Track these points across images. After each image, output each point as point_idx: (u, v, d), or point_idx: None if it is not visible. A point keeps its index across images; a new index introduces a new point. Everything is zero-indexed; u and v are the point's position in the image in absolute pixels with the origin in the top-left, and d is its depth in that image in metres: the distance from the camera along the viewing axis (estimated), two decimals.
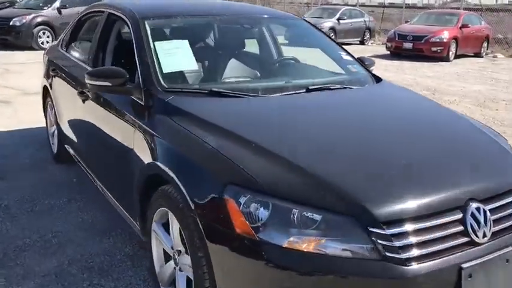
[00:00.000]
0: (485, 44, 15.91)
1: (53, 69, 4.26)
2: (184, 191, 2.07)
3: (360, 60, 3.50)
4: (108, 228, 3.40)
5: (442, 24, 14.76)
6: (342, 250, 1.79)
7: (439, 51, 13.80)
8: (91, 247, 3.15)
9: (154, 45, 2.87)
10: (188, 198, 2.04)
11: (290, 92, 2.76)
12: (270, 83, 2.92)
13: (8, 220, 3.51)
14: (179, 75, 2.84)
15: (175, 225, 2.26)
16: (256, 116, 2.49)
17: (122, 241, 3.23)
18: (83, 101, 3.39)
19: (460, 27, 14.51)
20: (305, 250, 1.80)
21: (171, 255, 2.36)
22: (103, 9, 3.65)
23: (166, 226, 2.41)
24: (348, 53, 3.50)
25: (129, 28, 3.10)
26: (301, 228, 1.84)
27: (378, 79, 3.27)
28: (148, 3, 3.56)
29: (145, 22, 3.03)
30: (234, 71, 3.13)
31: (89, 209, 3.70)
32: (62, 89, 4.02)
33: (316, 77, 3.16)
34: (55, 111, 4.36)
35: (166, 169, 2.22)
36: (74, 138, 3.86)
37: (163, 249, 2.47)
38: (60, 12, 14.30)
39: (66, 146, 4.25)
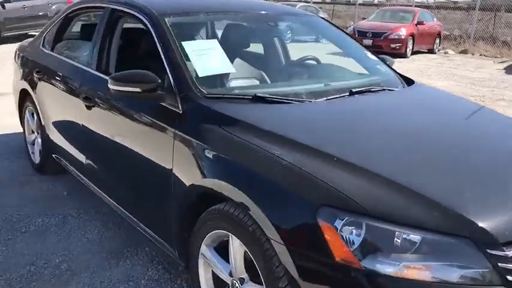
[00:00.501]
0: (437, 41, 16.38)
1: (38, 71, 3.82)
2: (260, 213, 1.81)
3: (383, 60, 3.34)
4: (121, 248, 3.06)
5: (398, 21, 15.03)
6: (458, 276, 1.60)
7: (397, 47, 14.04)
8: (109, 272, 2.80)
9: (181, 45, 2.56)
10: (268, 221, 1.78)
11: (334, 96, 2.54)
12: (311, 86, 2.69)
13: (1, 245, 3.08)
14: (214, 79, 2.56)
15: (237, 250, 2.00)
16: (318, 124, 2.26)
17: (142, 263, 2.90)
18: (89, 108, 3.02)
19: (416, 24, 14.84)
20: (417, 278, 1.60)
21: (229, 282, 2.09)
22: (103, 5, 3.27)
23: (219, 249, 2.14)
24: (373, 53, 3.33)
25: (145, 26, 2.77)
26: (407, 253, 1.64)
27: (407, 80, 3.13)
28: None
29: (166, 19, 2.72)
30: (268, 73, 2.87)
31: (92, 226, 3.33)
32: (53, 94, 3.60)
33: (351, 78, 2.96)
34: (40, 118, 3.92)
35: (230, 186, 1.95)
36: (71, 149, 3.46)
37: (213, 274, 2.20)
38: (3, 7, 13.40)
39: (55, 156, 3.84)
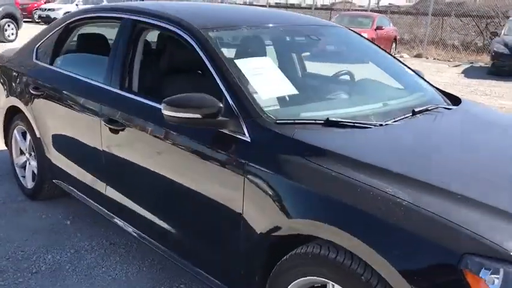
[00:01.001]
0: (393, 45, 16.74)
1: (35, 87, 3.41)
2: (380, 261, 1.60)
3: (417, 73, 3.22)
4: (154, 287, 2.75)
5: (357, 26, 15.20)
6: None
7: None
8: None
9: (235, 64, 2.31)
10: (392, 269, 1.57)
11: (400, 117, 2.36)
12: (372, 106, 2.49)
13: None
14: (276, 101, 2.31)
15: None
16: (407, 151, 2.07)
17: None
18: (114, 131, 2.69)
19: (375, 29, 15.07)
20: None
21: None
22: (120, 15, 2.95)
23: None
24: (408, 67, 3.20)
25: (184, 41, 2.49)
26: None
27: (449, 96, 3.01)
28: (190, 8, 2.92)
29: (209, 34, 2.45)
30: (322, 92, 2.65)
31: (112, 262, 2.99)
32: (57, 113, 3.22)
33: (401, 96, 2.79)
34: (35, 138, 3.51)
35: (334, 229, 1.72)
36: (82, 175, 3.11)
37: None
38: None
39: (56, 181, 3.45)
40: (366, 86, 2.92)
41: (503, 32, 13.41)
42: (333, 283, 1.77)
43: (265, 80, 2.30)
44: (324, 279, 1.80)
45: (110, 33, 4.44)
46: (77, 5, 21.10)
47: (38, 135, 3.48)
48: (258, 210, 2.00)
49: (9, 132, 3.91)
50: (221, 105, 2.11)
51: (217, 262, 2.28)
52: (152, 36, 3.12)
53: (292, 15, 3.15)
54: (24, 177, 3.86)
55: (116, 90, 2.76)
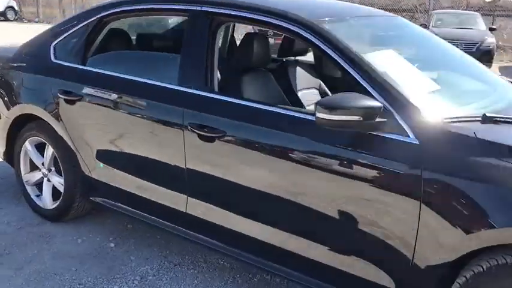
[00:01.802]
0: None
1: (65, 91, 2.92)
2: None
3: None
4: None
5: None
6: None
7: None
8: None
9: (363, 57, 2.09)
10: None
11: None
12: (496, 98, 2.39)
13: None
14: (427, 97, 2.12)
15: None
16: None
17: None
18: (208, 139, 2.35)
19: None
20: None
21: None
22: (189, 7, 2.58)
23: None
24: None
25: (293, 35, 2.24)
26: None
27: None
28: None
29: (325, 26, 2.22)
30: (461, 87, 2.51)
31: (191, 284, 2.64)
32: (111, 122, 2.78)
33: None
34: (64, 151, 3.02)
35: None
36: (141, 189, 2.74)
37: None
38: None
39: (96, 198, 3.00)
40: (490, 80, 2.78)
41: (431, 24, 14.02)
42: None
43: (404, 75, 2.11)
44: None
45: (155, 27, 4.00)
46: None
47: (69, 147, 2.99)
48: (440, 223, 1.81)
49: (16, 145, 3.34)
50: (380, 104, 1.89)
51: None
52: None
53: (361, 6, 2.99)
54: (39, 196, 3.33)
55: (210, 94, 2.42)
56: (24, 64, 3.27)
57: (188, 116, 2.42)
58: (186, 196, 2.56)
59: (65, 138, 3.00)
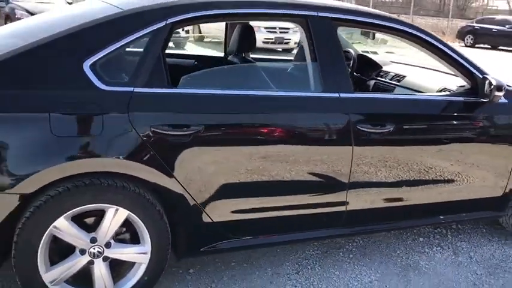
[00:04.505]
0: None
1: (178, 126, 2.18)
2: None
3: None
4: None
5: None
6: None
7: None
8: None
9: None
10: None
11: None
12: None
13: None
14: None
15: None
16: None
17: None
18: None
19: None
20: None
21: None
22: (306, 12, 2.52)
23: None
24: None
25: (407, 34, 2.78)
26: None
27: None
28: None
29: None
30: None
31: None
32: (252, 148, 2.37)
33: None
34: (153, 209, 2.25)
35: None
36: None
37: None
38: None
39: (211, 247, 2.47)
40: None
41: None
42: None
43: None
44: None
45: None
46: None
47: (175, 196, 2.27)
48: None
49: (25, 231, 2.07)
50: None
51: None
52: None
53: None
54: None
55: (362, 94, 2.65)
56: (21, 100, 2.03)
57: (354, 118, 2.54)
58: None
59: (168, 188, 2.24)
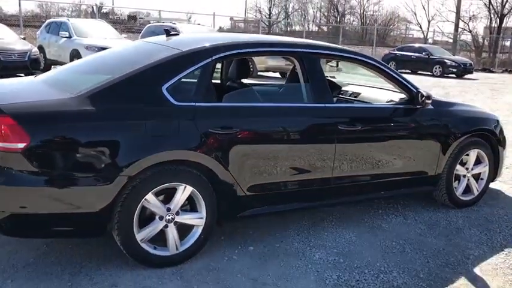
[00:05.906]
0: None
1: (224, 126, 3.26)
2: None
3: None
4: None
5: None
6: None
7: None
8: None
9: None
10: None
11: None
12: None
13: None
14: None
15: None
16: None
17: None
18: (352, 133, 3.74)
19: None
20: None
21: None
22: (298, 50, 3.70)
23: None
24: None
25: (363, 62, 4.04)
26: None
27: None
28: None
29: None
30: None
31: None
32: (273, 140, 3.49)
33: None
34: (207, 186, 3.27)
35: None
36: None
37: None
38: None
39: (243, 213, 3.49)
40: None
41: None
42: None
43: None
44: None
45: None
46: None
47: (220, 178, 3.29)
48: None
49: (125, 204, 3.02)
50: None
51: None
52: None
53: None
54: (155, 248, 3.19)
55: (339, 104, 3.80)
56: (127, 112, 3.01)
57: (337, 120, 3.71)
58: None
59: (217, 171, 3.25)
